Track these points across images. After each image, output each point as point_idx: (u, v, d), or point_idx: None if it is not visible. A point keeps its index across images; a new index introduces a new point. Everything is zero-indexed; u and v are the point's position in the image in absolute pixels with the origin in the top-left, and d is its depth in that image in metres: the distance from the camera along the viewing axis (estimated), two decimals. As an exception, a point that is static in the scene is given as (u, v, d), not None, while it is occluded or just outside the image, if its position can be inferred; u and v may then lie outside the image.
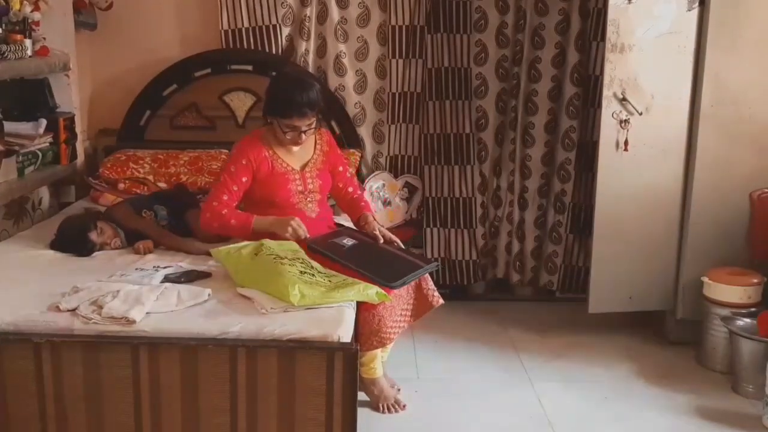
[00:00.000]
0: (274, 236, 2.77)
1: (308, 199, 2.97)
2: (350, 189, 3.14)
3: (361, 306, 2.60)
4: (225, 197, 2.85)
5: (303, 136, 2.87)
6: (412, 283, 2.87)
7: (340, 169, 3.11)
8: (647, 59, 3.37)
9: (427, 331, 3.67)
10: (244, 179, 2.87)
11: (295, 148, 2.95)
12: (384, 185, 4.03)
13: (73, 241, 2.92)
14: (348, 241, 2.84)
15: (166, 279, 2.57)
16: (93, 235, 2.92)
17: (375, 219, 3.05)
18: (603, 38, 3.48)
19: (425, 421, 2.96)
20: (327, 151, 3.05)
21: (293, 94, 2.81)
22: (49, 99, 3.55)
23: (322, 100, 2.92)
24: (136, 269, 2.67)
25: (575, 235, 4.08)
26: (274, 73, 3.69)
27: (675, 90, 3.42)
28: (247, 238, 2.77)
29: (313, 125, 2.88)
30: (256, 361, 2.18)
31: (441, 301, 2.95)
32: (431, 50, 3.92)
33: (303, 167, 2.97)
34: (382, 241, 2.93)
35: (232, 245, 2.72)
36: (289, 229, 2.78)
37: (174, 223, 3.14)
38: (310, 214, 2.96)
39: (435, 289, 2.95)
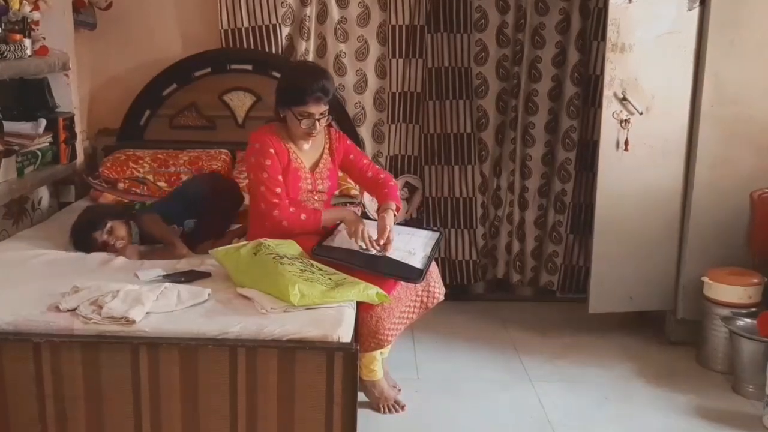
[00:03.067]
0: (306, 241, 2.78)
1: (315, 198, 2.96)
2: (370, 174, 3.06)
3: (359, 307, 2.59)
4: (279, 190, 2.81)
5: (317, 125, 2.84)
6: (412, 285, 2.87)
7: (352, 157, 3.06)
8: (647, 59, 3.37)
9: (427, 331, 3.67)
10: (280, 166, 2.85)
11: (306, 146, 2.93)
12: (384, 185, 4.03)
13: (79, 233, 2.94)
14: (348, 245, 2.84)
15: (166, 278, 2.57)
16: (97, 234, 2.90)
17: (395, 211, 2.92)
18: (603, 38, 3.48)
19: (425, 421, 2.96)
20: (336, 148, 3.03)
21: (307, 80, 2.79)
22: (49, 99, 3.54)
23: (333, 89, 2.89)
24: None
25: (575, 235, 4.08)
26: (276, 73, 3.69)
27: (675, 90, 3.42)
28: (315, 232, 2.79)
29: (326, 114, 2.85)
30: (256, 361, 2.18)
31: (440, 297, 2.95)
32: (431, 50, 3.92)
33: (313, 167, 2.96)
34: (378, 249, 2.82)
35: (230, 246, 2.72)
36: (353, 229, 2.79)
37: (198, 234, 3.10)
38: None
39: (435, 285, 2.94)
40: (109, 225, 2.94)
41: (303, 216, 2.82)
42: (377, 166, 3.13)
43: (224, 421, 2.22)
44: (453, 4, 3.86)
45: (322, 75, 2.84)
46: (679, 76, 3.41)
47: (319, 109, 2.81)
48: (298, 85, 2.80)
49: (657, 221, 3.54)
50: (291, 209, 2.81)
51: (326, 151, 3.01)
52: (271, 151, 2.83)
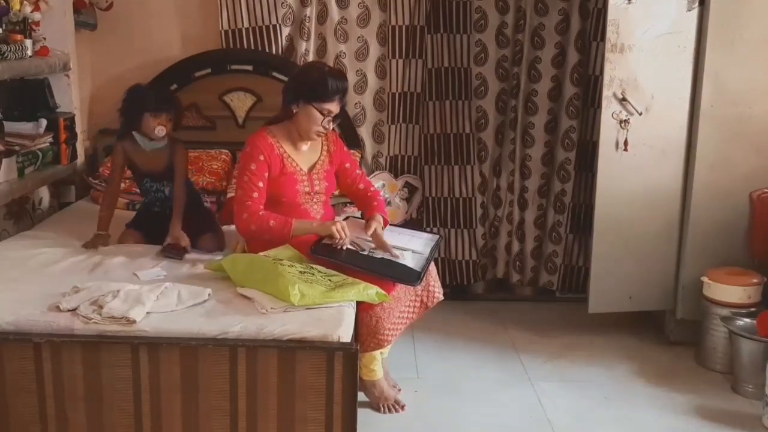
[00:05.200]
0: (305, 241, 2.76)
1: (314, 200, 2.97)
2: (361, 186, 3.10)
3: (359, 307, 2.60)
4: (255, 195, 2.81)
5: (331, 124, 2.89)
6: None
7: (347, 165, 3.09)
8: (647, 59, 3.37)
9: (427, 331, 3.68)
10: (266, 174, 2.85)
11: (305, 147, 2.95)
12: (384, 185, 4.04)
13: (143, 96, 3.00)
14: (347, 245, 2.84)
15: (165, 252, 2.85)
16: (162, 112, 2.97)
17: (382, 222, 2.96)
18: (603, 38, 3.48)
19: (425, 421, 2.96)
20: (334, 151, 3.05)
21: (332, 78, 2.83)
22: (50, 99, 3.55)
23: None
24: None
25: (575, 235, 4.08)
26: (277, 74, 3.69)
27: (675, 90, 3.42)
28: (284, 242, 2.75)
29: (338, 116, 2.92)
30: (256, 361, 2.18)
31: (440, 297, 2.96)
32: (431, 50, 3.92)
33: (311, 169, 2.97)
34: (368, 249, 2.84)
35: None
36: (333, 229, 2.76)
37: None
38: (315, 215, 2.96)
39: (434, 285, 2.95)
40: (165, 115, 2.99)
41: (272, 222, 2.78)
42: (367, 179, 3.16)
43: (224, 420, 2.22)
44: (453, 4, 3.87)
45: (344, 76, 2.93)
46: (678, 77, 3.41)
47: (338, 108, 2.86)
48: (326, 80, 2.82)
49: (657, 221, 3.54)
50: (261, 213, 2.80)
51: (324, 152, 3.02)
52: (261, 157, 2.84)
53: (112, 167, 3.14)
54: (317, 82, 2.82)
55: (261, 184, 2.83)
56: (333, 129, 2.99)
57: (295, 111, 2.88)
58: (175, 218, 3.00)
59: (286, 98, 2.90)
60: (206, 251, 2.98)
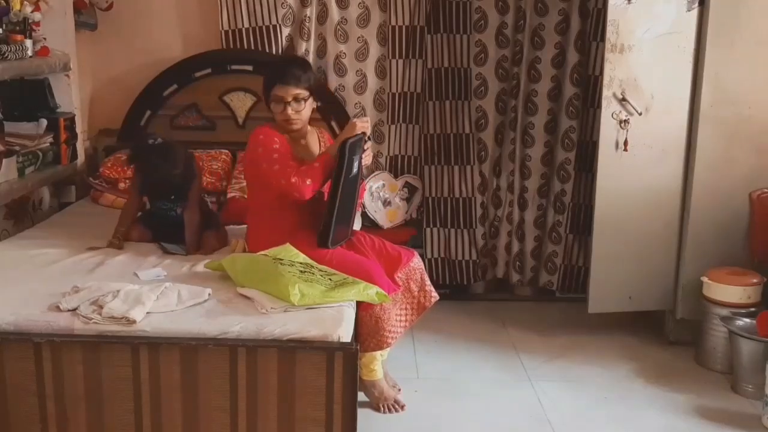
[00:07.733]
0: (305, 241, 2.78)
1: (315, 196, 2.97)
2: None
3: (358, 306, 2.60)
4: (293, 164, 2.80)
5: (289, 110, 2.82)
6: (407, 284, 2.90)
7: None
8: (647, 59, 3.38)
9: (427, 331, 3.67)
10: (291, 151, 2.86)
11: (302, 142, 2.97)
12: (384, 185, 4.04)
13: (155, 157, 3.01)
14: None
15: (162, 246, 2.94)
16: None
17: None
18: (603, 38, 3.48)
19: (425, 421, 2.96)
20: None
21: (282, 63, 2.91)
22: (50, 99, 3.55)
23: (314, 78, 2.92)
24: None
25: (575, 235, 4.08)
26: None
27: (675, 90, 3.42)
28: (331, 171, 2.76)
29: (302, 99, 2.84)
30: (256, 361, 2.18)
31: (436, 297, 2.96)
32: (431, 50, 3.93)
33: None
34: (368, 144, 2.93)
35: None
36: (358, 123, 2.81)
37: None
38: (322, 207, 2.97)
39: (429, 285, 2.96)
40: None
41: (316, 164, 2.80)
42: None
43: (224, 420, 2.22)
44: (453, 4, 3.87)
45: (294, 60, 3.00)
46: (678, 77, 3.41)
47: (289, 92, 2.81)
48: (274, 67, 2.90)
49: (656, 221, 3.54)
50: (294, 180, 2.75)
51: (322, 146, 3.04)
52: (276, 140, 2.83)
53: (131, 186, 3.21)
54: (267, 72, 2.90)
55: (292, 162, 2.81)
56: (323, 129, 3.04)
57: (270, 108, 2.92)
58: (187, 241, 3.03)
59: (264, 97, 2.95)
60: (210, 249, 2.99)
